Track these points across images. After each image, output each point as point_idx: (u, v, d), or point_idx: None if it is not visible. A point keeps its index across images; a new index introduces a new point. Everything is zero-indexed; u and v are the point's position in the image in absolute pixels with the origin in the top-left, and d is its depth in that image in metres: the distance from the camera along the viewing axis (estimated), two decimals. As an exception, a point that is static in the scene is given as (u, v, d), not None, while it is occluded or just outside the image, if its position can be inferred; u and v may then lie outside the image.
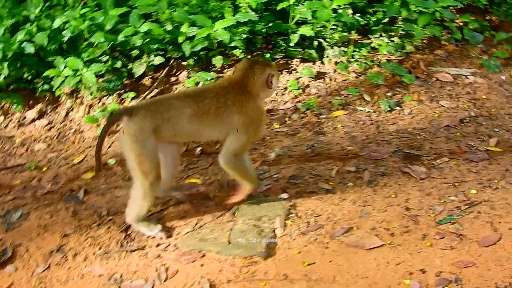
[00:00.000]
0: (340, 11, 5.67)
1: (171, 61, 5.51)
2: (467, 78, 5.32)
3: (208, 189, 4.23)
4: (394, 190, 4.02)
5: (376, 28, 5.84)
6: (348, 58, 5.50)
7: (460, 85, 5.23)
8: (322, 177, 4.23)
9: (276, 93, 5.22)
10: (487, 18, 6.19)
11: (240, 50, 5.39)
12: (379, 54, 5.60)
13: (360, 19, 5.86)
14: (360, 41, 5.75)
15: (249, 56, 5.43)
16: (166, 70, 5.47)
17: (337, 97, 5.14)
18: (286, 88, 5.28)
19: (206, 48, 5.40)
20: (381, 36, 5.79)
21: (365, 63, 5.44)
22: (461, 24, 5.95)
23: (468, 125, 4.75)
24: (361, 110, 4.97)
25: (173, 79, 5.45)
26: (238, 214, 3.93)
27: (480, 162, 4.28)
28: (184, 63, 5.47)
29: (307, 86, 5.31)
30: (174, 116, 3.75)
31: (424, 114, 4.92)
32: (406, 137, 4.63)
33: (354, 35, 5.83)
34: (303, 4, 5.45)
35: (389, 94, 5.16)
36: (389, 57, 5.56)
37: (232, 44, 5.27)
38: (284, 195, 4.06)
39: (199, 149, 4.70)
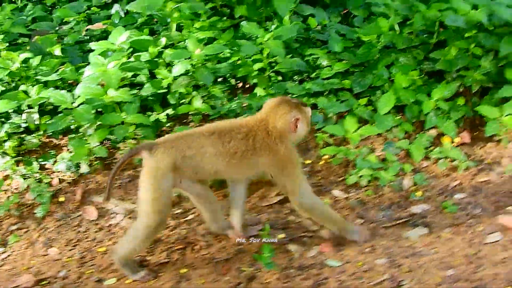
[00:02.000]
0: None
1: None
2: (115, 217, 4.60)
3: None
4: None
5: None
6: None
7: (96, 227, 4.54)
8: None
9: None
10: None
11: None
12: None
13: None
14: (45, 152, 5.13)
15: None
16: None
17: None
18: None
19: None
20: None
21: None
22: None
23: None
24: None
25: None
26: None
27: None
28: None
29: None
30: (196, 155, 3.69)
31: (19, 263, 4.29)
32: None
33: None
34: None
35: (14, 227, 4.56)
36: (63, 176, 4.92)
37: None
38: None
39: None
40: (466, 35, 5.12)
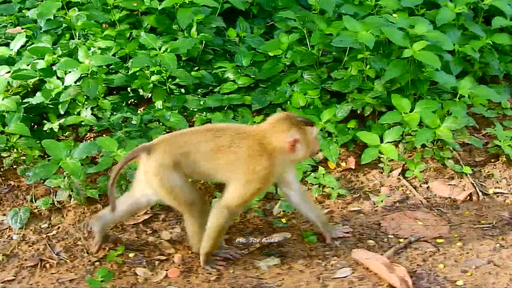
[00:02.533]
0: None
1: None
2: (-21, 229, 4.52)
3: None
4: None
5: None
6: None
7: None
8: None
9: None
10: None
11: None
12: None
13: None
14: None
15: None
16: None
17: None
18: None
19: None
20: None
21: None
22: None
23: None
24: None
25: None
26: None
27: None
28: None
29: None
30: (192, 152, 3.64)
31: None
32: None
33: None
34: None
35: None
36: None
37: None
38: None
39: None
40: (359, 56, 4.94)
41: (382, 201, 4.48)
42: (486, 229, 4.23)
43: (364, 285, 3.80)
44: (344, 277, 3.86)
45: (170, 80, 5.44)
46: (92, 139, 5.17)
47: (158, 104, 5.31)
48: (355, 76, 5.01)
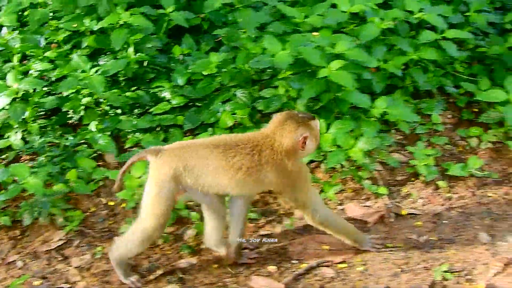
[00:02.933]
0: None
1: None
2: None
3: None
4: None
5: None
6: None
7: None
8: None
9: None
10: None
11: None
12: None
13: None
14: None
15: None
16: None
17: None
18: None
19: None
20: None
21: None
22: None
23: None
24: None
25: None
26: None
27: None
28: None
29: None
30: (198, 166, 3.69)
31: None
32: None
33: None
34: None
35: None
36: None
37: None
38: None
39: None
40: (280, 76, 4.89)
41: (292, 225, 4.41)
42: (391, 253, 4.14)
43: (256, 313, 3.75)
44: (239, 305, 3.82)
45: (105, 101, 5.45)
46: (27, 162, 5.22)
47: (92, 126, 5.33)
48: (279, 96, 4.95)
